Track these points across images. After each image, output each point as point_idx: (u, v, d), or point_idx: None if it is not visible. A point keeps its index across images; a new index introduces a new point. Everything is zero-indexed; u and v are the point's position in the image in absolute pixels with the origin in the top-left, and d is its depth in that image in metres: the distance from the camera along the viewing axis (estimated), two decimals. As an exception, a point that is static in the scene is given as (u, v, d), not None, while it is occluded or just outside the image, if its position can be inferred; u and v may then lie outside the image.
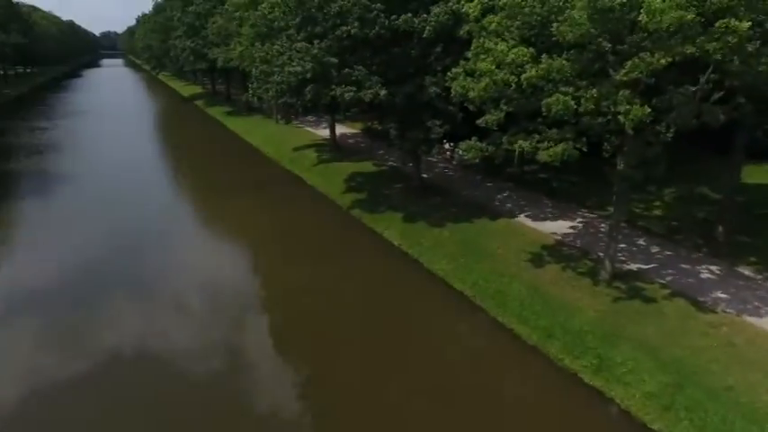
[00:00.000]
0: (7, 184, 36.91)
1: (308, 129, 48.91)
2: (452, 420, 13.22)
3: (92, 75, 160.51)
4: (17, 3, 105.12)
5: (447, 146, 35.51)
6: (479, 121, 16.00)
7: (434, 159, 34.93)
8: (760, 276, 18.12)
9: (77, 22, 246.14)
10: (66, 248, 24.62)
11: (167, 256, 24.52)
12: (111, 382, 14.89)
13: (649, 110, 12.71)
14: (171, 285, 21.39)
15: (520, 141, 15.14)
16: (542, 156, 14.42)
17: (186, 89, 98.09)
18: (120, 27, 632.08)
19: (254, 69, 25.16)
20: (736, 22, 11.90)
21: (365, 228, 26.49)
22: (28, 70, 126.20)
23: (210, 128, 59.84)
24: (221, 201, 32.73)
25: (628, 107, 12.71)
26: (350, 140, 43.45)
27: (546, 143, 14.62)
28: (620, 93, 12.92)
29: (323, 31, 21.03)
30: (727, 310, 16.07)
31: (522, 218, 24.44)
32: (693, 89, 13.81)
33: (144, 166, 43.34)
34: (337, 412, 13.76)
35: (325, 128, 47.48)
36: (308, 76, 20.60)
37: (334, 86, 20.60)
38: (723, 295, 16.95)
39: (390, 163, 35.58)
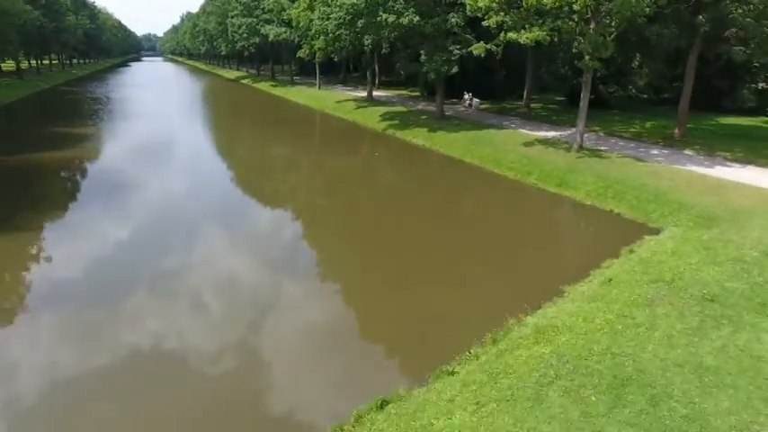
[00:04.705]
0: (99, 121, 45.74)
1: (346, 92, 56.49)
2: (474, 217, 20.17)
3: (138, 65, 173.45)
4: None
5: (466, 95, 42.57)
6: (484, 23, 22.91)
7: (456, 105, 42.05)
8: (697, 155, 24.39)
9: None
10: (163, 160, 32.66)
11: (254, 154, 32.19)
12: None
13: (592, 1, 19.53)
14: (252, 167, 28.96)
15: (510, 33, 22.01)
16: (522, 38, 21.26)
17: (231, 73, 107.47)
18: (157, 31, 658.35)
19: (317, 11, 32.68)
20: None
21: (397, 138, 33.62)
22: (85, 61, 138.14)
23: (259, 95, 68.08)
24: (284, 127, 40.75)
25: (578, -2, 19.55)
26: (383, 98, 50.73)
27: (526, 33, 21.47)
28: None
29: (373, -24, 28.36)
30: (661, 163, 22.51)
31: (522, 130, 31.11)
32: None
33: (210, 116, 51.67)
34: (390, 239, 20.78)
35: (360, 91, 55.04)
36: (362, 7, 27.91)
37: (380, 14, 27.79)
38: (662, 159, 23.35)
39: (419, 107, 42.73)
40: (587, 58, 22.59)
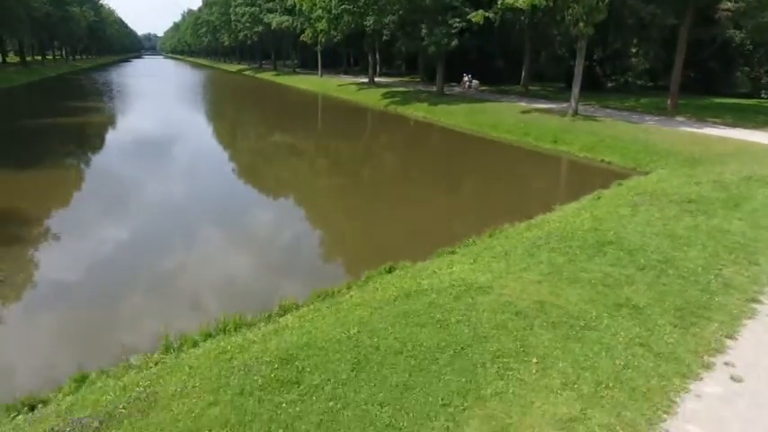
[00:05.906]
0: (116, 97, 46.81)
1: (348, 79, 57.53)
2: (474, 167, 21.12)
3: (140, 61, 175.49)
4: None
5: (465, 77, 43.53)
6: (483, -11, 23.92)
7: (456, 87, 43.09)
8: (688, 120, 25.35)
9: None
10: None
11: (262, 124, 33.20)
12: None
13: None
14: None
15: (506, 0, 23.00)
16: (519, 3, 22.23)
17: (233, 66, 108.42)
18: (157, 31, 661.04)
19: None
20: None
21: (398, 114, 34.60)
22: (87, 56, 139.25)
23: (263, 84, 69.03)
24: (289, 105, 41.95)
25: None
26: (384, 83, 51.72)
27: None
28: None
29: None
30: (651, 125, 23.49)
31: (519, 103, 32.08)
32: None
33: (219, 97, 52.71)
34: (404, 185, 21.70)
35: (362, 78, 56.07)
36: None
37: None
38: (653, 123, 24.33)
39: (419, 88, 43.74)
40: (582, 24, 23.57)
